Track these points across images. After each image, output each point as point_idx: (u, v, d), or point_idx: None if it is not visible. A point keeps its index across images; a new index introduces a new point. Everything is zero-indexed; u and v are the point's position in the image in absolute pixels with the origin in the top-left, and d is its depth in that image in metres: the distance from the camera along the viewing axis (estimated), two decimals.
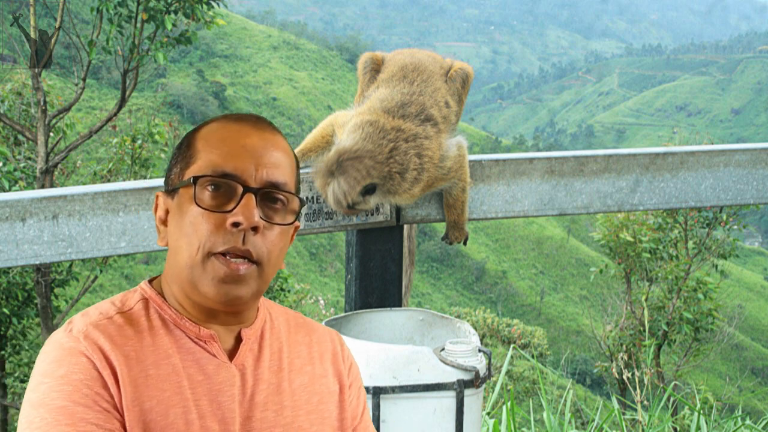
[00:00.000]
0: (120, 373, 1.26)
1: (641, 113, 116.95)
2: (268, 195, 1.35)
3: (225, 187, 1.32)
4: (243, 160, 1.33)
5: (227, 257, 1.30)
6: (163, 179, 1.46)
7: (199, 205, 1.31)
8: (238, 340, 1.40)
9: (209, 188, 1.32)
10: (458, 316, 14.12)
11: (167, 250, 1.40)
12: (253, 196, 1.32)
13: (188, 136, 1.41)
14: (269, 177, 1.34)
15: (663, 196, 3.09)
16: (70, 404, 1.21)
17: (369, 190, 2.47)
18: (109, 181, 9.30)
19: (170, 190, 1.38)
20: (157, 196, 1.41)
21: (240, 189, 1.32)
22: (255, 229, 1.31)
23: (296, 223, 1.43)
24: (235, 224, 1.30)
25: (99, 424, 1.21)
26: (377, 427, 2.16)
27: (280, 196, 1.36)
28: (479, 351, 2.25)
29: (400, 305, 2.81)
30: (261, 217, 1.32)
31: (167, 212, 1.38)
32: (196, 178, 1.32)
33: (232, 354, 1.38)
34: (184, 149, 1.39)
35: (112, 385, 1.25)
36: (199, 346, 1.35)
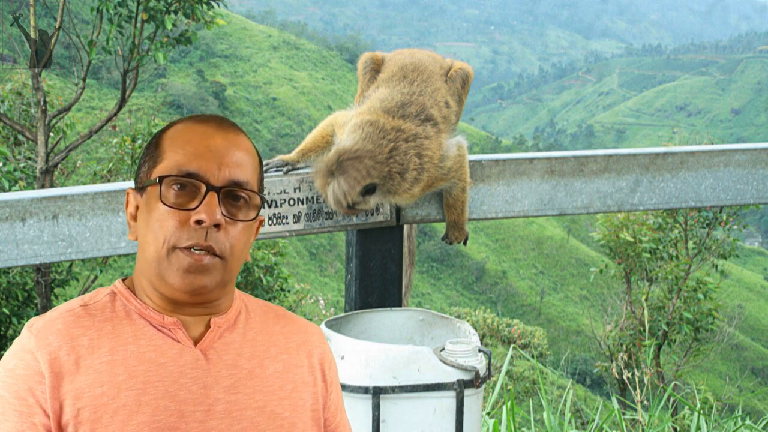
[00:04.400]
0: (67, 367, 1.34)
1: (641, 113, 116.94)
2: (231, 193, 1.42)
3: (189, 186, 1.40)
4: (207, 160, 1.41)
5: (191, 250, 1.38)
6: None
7: (164, 203, 1.38)
8: (209, 328, 1.45)
9: (174, 187, 1.40)
10: (458, 316, 14.11)
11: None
12: (216, 195, 1.39)
13: (156, 136, 1.48)
14: (231, 176, 1.41)
15: (663, 196, 3.09)
16: (7, 395, 1.33)
17: (369, 190, 2.47)
18: (109, 181, 9.29)
19: (139, 188, 1.45)
20: (127, 193, 1.48)
21: (203, 188, 1.39)
22: (217, 226, 1.39)
23: (260, 217, 1.50)
24: (199, 222, 1.37)
25: (21, 417, 1.32)
26: (377, 427, 2.16)
27: (242, 194, 1.43)
28: (479, 351, 2.25)
29: (400, 305, 2.81)
30: (223, 214, 1.39)
31: (137, 208, 1.45)
32: (162, 178, 1.39)
33: (200, 341, 1.44)
34: (152, 149, 1.46)
35: (51, 383, 1.33)
36: (163, 333, 1.42)
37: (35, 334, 1.37)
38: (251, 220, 1.44)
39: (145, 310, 1.42)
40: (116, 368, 1.35)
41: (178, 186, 1.39)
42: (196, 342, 1.43)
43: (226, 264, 1.40)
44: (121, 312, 1.42)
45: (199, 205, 1.38)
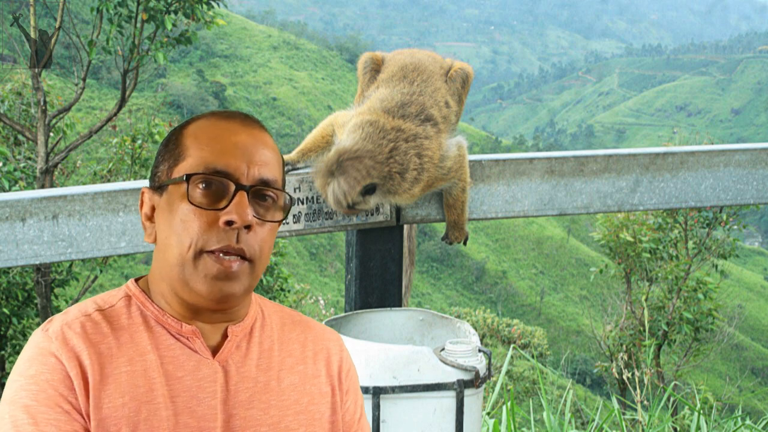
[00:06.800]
0: (90, 373, 1.27)
1: (641, 113, 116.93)
2: (259, 192, 1.35)
3: (217, 185, 1.32)
4: (235, 157, 1.34)
5: (219, 255, 1.31)
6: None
7: (191, 203, 1.31)
8: (225, 337, 1.39)
9: (201, 186, 1.32)
10: (458, 316, 14.12)
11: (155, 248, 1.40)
12: (246, 194, 1.32)
13: (175, 133, 1.41)
14: (260, 174, 1.35)
15: (663, 196, 3.09)
16: (35, 404, 1.23)
17: (369, 190, 2.47)
18: (109, 181, 9.29)
19: (157, 187, 1.38)
20: (142, 193, 1.41)
21: (232, 187, 1.32)
22: (248, 227, 1.32)
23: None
24: (229, 222, 1.30)
25: (58, 425, 1.23)
26: (377, 427, 2.16)
27: (271, 194, 1.37)
28: (479, 351, 2.25)
29: (400, 305, 2.81)
30: (253, 215, 1.33)
31: (153, 209, 1.39)
32: (189, 176, 1.32)
33: (217, 351, 1.38)
34: (172, 146, 1.39)
35: (79, 385, 1.26)
36: (181, 342, 1.35)
37: (55, 337, 1.29)
38: (279, 221, 1.38)
39: (162, 316, 1.36)
40: (137, 379, 1.29)
41: (205, 184, 1.32)
42: (212, 351, 1.37)
43: (254, 268, 1.34)
44: (137, 318, 1.35)
45: (228, 205, 1.30)
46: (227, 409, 1.34)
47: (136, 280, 1.42)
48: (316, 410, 1.44)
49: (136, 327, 1.35)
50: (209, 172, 1.32)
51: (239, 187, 1.32)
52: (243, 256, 1.32)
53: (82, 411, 1.26)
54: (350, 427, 1.51)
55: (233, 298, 1.34)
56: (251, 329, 1.43)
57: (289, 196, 1.41)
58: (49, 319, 1.36)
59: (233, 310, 1.40)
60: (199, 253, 1.30)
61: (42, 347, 1.28)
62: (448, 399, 2.18)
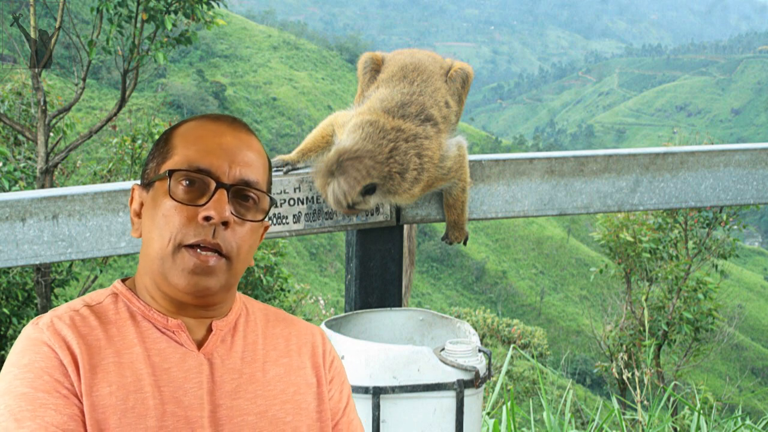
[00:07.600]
0: (81, 361, 1.31)
1: (641, 113, 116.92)
2: (240, 192, 1.40)
3: (199, 182, 1.38)
4: (218, 157, 1.39)
5: (197, 250, 1.35)
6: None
7: (173, 198, 1.36)
8: (210, 331, 1.44)
9: (183, 182, 1.37)
10: (458, 316, 14.11)
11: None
12: (225, 192, 1.37)
13: (166, 133, 1.46)
14: (242, 175, 1.40)
15: (663, 196, 3.09)
16: (31, 391, 1.27)
17: (369, 190, 2.47)
18: (109, 181, 9.30)
19: (146, 184, 1.43)
20: (133, 189, 1.46)
21: (213, 184, 1.37)
22: (225, 223, 1.37)
23: (266, 222, 1.48)
24: (207, 218, 1.35)
25: (58, 409, 1.27)
26: (377, 427, 2.16)
27: (252, 194, 1.41)
28: (479, 351, 2.25)
29: (400, 305, 2.81)
30: (232, 213, 1.37)
31: (142, 205, 1.44)
32: (171, 172, 1.37)
33: (202, 344, 1.42)
34: (162, 145, 1.45)
35: (73, 372, 1.30)
36: (167, 335, 1.40)
37: (46, 328, 1.33)
38: (259, 221, 1.43)
39: (149, 311, 1.40)
40: (124, 370, 1.33)
41: (187, 182, 1.37)
42: (198, 345, 1.41)
43: (231, 265, 1.38)
44: (124, 313, 1.40)
45: (207, 202, 1.36)
46: (214, 399, 1.38)
47: (123, 281, 1.47)
48: (302, 400, 1.47)
49: (123, 321, 1.39)
50: (192, 170, 1.37)
51: (220, 185, 1.37)
52: (219, 252, 1.36)
53: (78, 395, 1.29)
54: (336, 415, 1.54)
55: (210, 293, 1.39)
56: (235, 324, 1.48)
57: (272, 198, 1.45)
58: (38, 315, 1.40)
59: (216, 306, 1.44)
60: (178, 248, 1.35)
61: (33, 338, 1.33)
62: (448, 399, 2.18)
